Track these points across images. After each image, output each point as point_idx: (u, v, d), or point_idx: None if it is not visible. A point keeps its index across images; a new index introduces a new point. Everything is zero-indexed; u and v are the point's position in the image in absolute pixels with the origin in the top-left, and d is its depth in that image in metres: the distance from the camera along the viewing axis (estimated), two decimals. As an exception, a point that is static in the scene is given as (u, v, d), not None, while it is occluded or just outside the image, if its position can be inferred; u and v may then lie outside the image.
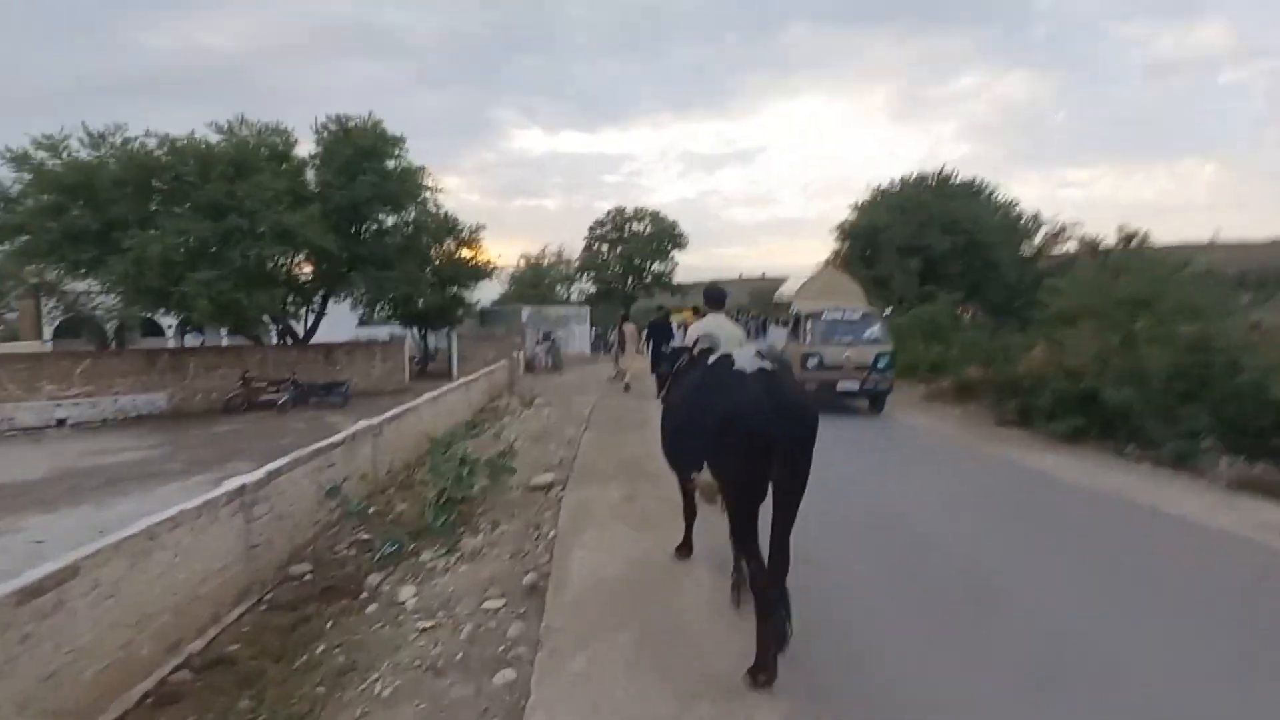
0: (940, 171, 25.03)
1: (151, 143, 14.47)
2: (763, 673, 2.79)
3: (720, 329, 4.27)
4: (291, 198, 14.81)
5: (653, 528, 4.92)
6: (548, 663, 3.02)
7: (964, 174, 25.12)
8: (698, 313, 6.35)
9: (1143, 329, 7.93)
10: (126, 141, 14.27)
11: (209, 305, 13.46)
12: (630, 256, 35.64)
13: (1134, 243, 16.79)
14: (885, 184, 25.83)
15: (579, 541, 4.65)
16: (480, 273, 22.21)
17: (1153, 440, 7.00)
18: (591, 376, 18.21)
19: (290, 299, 17.83)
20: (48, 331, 21.10)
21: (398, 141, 17.47)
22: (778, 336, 13.18)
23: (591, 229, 37.13)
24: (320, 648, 3.50)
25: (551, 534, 4.88)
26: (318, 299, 18.81)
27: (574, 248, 38.75)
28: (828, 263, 24.61)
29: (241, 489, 4.42)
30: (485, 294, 27.53)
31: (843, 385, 10.17)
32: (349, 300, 19.98)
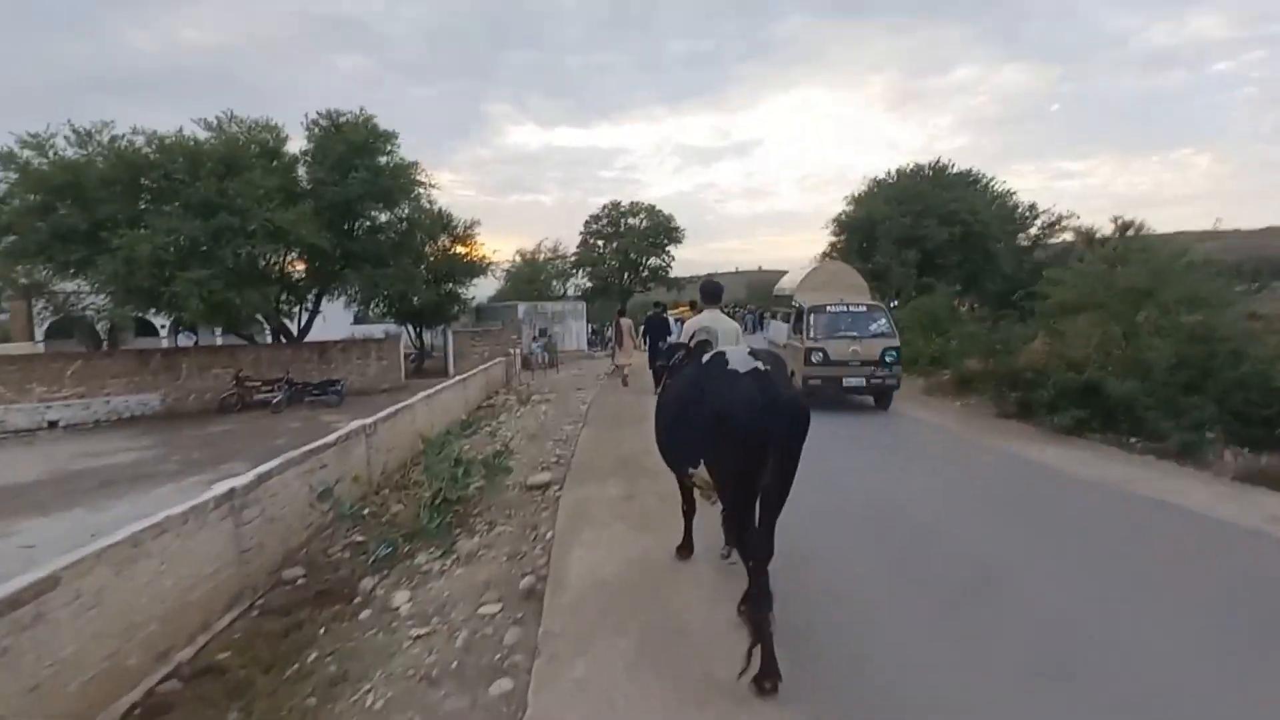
0: (937, 163, 24.97)
1: (140, 140, 14.26)
2: (768, 679, 2.73)
3: (716, 324, 4.29)
4: (283, 195, 14.61)
5: (652, 526, 4.84)
6: (545, 671, 2.93)
7: (960, 165, 25.08)
8: (694, 308, 6.29)
9: (1145, 320, 7.86)
10: (114, 140, 14.05)
11: (200, 305, 13.27)
12: (626, 251, 35.39)
13: (1130, 232, 16.72)
14: (882, 175, 25.79)
15: (577, 541, 4.56)
16: (475, 269, 22.04)
17: (1156, 432, 6.93)
18: (589, 372, 18.12)
19: (283, 297, 17.66)
20: (40, 333, 20.90)
21: (390, 137, 17.27)
22: (778, 331, 12.65)
23: (587, 224, 36.87)
24: (312, 656, 3.40)
25: (549, 534, 4.79)
26: (311, 297, 18.64)
27: (570, 243, 38.54)
28: (825, 255, 24.53)
29: (231, 493, 4.31)
30: (481, 290, 27.35)
31: (848, 381, 9.84)
32: (343, 298, 19.81)
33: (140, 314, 16.31)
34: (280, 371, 16.16)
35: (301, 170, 16.77)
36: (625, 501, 5.55)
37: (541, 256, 40.02)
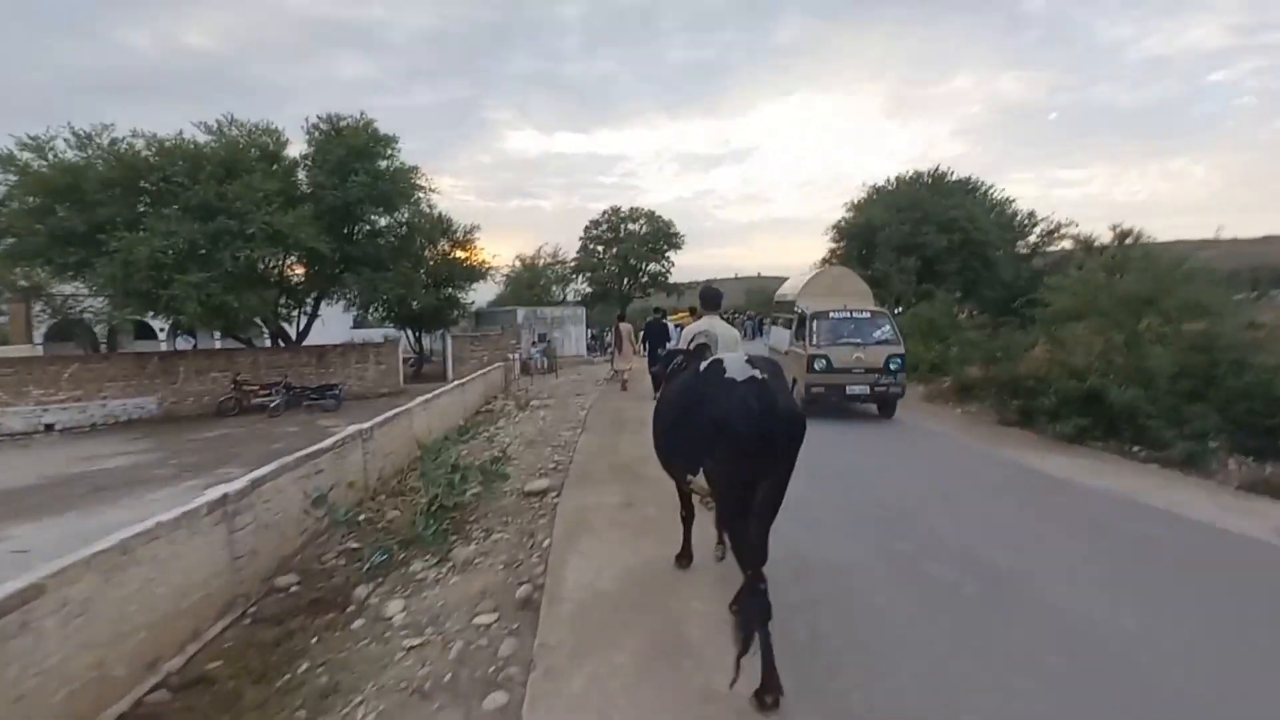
0: (936, 170, 25.02)
1: (139, 143, 14.26)
2: (769, 693, 2.67)
3: (715, 330, 4.30)
4: (282, 199, 14.60)
5: (651, 534, 4.77)
6: (541, 684, 2.86)
7: (959, 173, 25.14)
8: (694, 314, 6.26)
9: (1147, 328, 7.82)
10: (114, 142, 14.06)
11: (198, 308, 13.23)
12: (626, 257, 35.38)
13: (1128, 241, 16.74)
14: (881, 182, 25.83)
15: (575, 550, 4.49)
16: (475, 273, 22.02)
17: (1159, 441, 6.88)
18: (588, 377, 18.06)
19: (282, 301, 17.62)
20: (38, 336, 20.83)
21: (390, 141, 17.28)
22: (780, 337, 12.37)
23: (587, 229, 36.91)
24: (303, 666, 3.33)
25: (546, 542, 4.72)
26: (310, 301, 18.60)
27: (570, 248, 38.56)
28: (825, 261, 24.53)
29: (224, 499, 4.25)
30: (481, 295, 27.34)
31: (852, 389, 9.63)
32: (342, 302, 19.78)
33: (138, 317, 16.26)
34: (278, 375, 16.13)
35: (301, 174, 16.77)
36: (624, 509, 5.48)
37: (541, 261, 40.03)
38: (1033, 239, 23.96)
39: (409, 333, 23.87)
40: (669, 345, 10.70)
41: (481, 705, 2.75)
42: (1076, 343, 8.83)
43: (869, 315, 10.36)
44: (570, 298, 37.17)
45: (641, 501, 5.63)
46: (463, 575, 4.25)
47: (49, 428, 14.01)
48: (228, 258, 13.58)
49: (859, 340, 9.80)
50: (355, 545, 5.21)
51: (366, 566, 4.68)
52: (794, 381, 10.20)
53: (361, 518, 5.76)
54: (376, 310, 21.12)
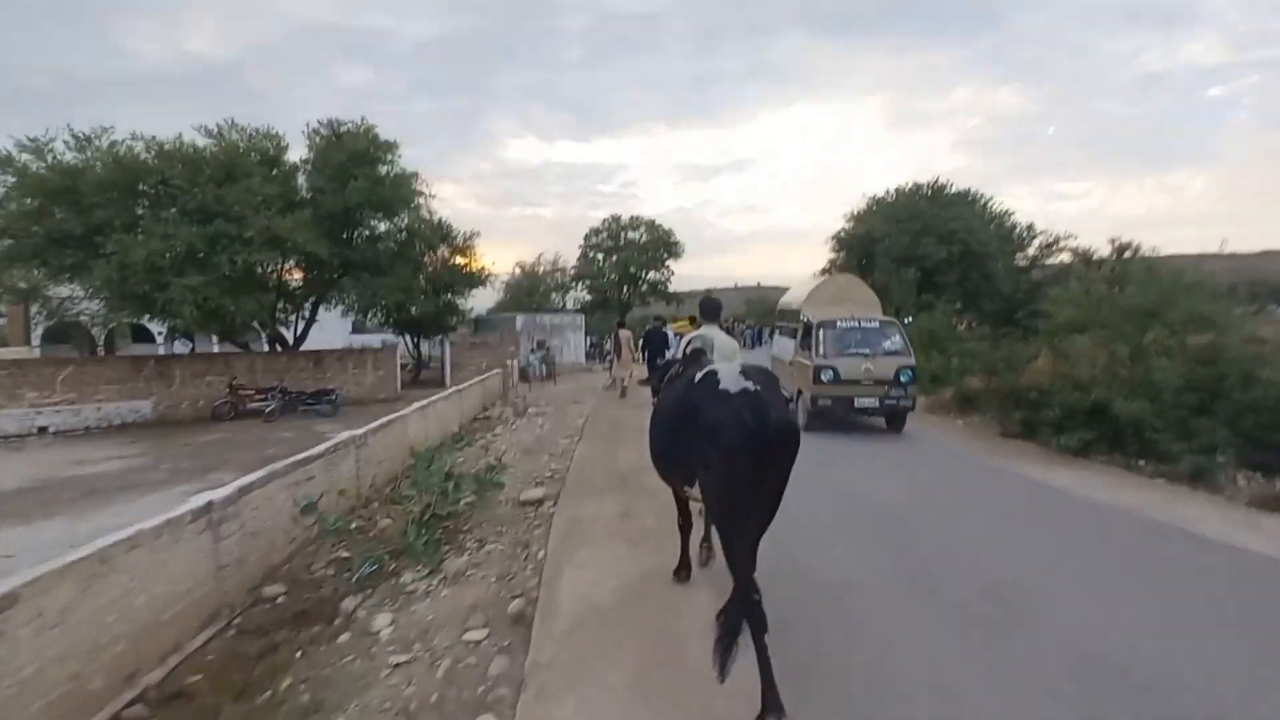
0: (935, 182, 25.03)
1: (139, 146, 14.21)
2: (770, 712, 2.57)
3: (714, 339, 4.28)
4: (282, 203, 14.55)
5: (649, 546, 4.66)
6: (532, 707, 2.73)
7: (958, 185, 25.13)
8: (693, 323, 6.19)
9: (1152, 340, 7.73)
10: (113, 145, 13.99)
11: (194, 311, 13.14)
12: (626, 265, 35.34)
13: (1127, 254, 16.74)
14: (881, 194, 25.83)
15: (570, 562, 4.37)
16: (474, 280, 21.93)
17: (1165, 455, 6.77)
18: (586, 385, 17.96)
19: (280, 305, 17.53)
20: (36, 338, 20.72)
21: (391, 147, 17.24)
22: (784, 347, 11.97)
23: (587, 237, 36.88)
24: (286, 682, 3.21)
25: (541, 553, 4.60)
26: (308, 305, 18.51)
27: (569, 256, 38.57)
28: (825, 271, 24.48)
29: (209, 505, 4.14)
30: (480, 302, 27.26)
31: (861, 402, 9.24)
32: (340, 307, 19.69)
33: (134, 320, 16.16)
34: (275, 380, 16.01)
35: (301, 179, 16.73)
36: (621, 519, 5.36)
37: (541, 269, 40.05)
38: (1031, 251, 23.97)
39: (407, 338, 23.77)
40: (668, 354, 10.61)
41: (469, 728, 2.63)
42: (1080, 355, 8.73)
43: (878, 325, 10.02)
44: (570, 305, 37.11)
45: (639, 512, 5.52)
46: (454, 588, 4.12)
47: (43, 430, 13.89)
48: (225, 261, 13.50)
49: (867, 351, 9.44)
50: (346, 554, 5.09)
51: (356, 577, 4.56)
52: (799, 393, 9.99)
53: (353, 526, 5.63)
54: (375, 315, 21.05)
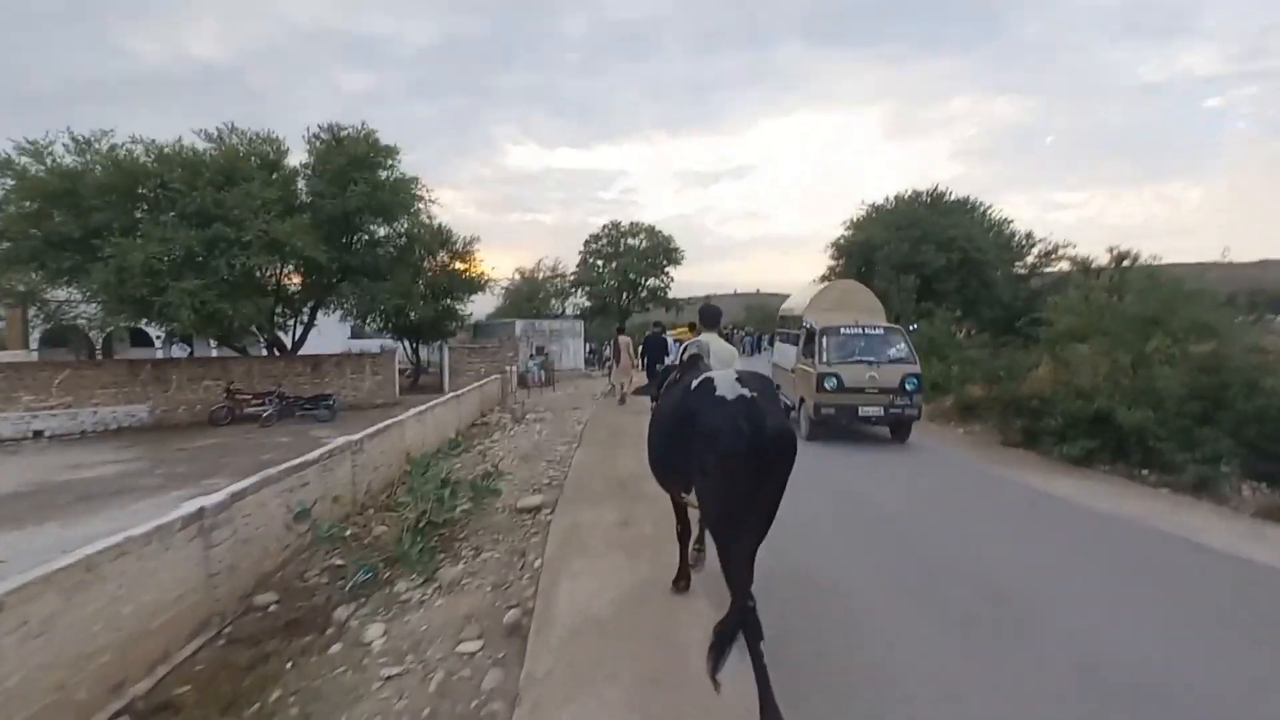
0: (935, 189, 25.04)
1: (138, 149, 14.20)
2: None
3: (713, 346, 4.27)
4: (281, 207, 14.52)
5: (648, 554, 4.59)
6: (527, 722, 2.66)
7: (957, 193, 25.12)
8: (694, 330, 6.14)
9: (1155, 348, 7.67)
10: (113, 148, 13.98)
11: (191, 315, 13.08)
12: (626, 271, 35.30)
13: (1125, 263, 16.72)
14: (880, 201, 25.84)
15: (567, 571, 4.30)
16: (474, 285, 21.91)
17: (1169, 464, 6.70)
18: (585, 391, 17.90)
19: (278, 310, 17.48)
20: (34, 341, 20.66)
21: (391, 151, 17.23)
22: (785, 354, 11.71)
23: (587, 243, 36.86)
24: (275, 695, 3.13)
25: (538, 562, 4.53)
26: (307, 310, 18.46)
27: (569, 262, 38.54)
28: (825, 278, 24.46)
29: (200, 512, 4.07)
30: (479, 307, 27.27)
31: (865, 410, 8.98)
32: (339, 312, 19.64)
33: (131, 323, 16.10)
34: (272, 385, 15.95)
35: (301, 183, 16.72)
36: (620, 528, 5.29)
37: (541, 275, 40.04)
38: (1030, 259, 23.97)
39: (406, 344, 23.72)
40: (668, 360, 10.55)
41: (461, 743, 2.56)
42: (1082, 363, 8.67)
43: (882, 331, 9.78)
44: (569, 311, 37.08)
45: (638, 520, 5.45)
46: (448, 597, 4.05)
47: (38, 434, 13.82)
48: (223, 265, 13.46)
49: (872, 358, 9.22)
50: (340, 562, 5.02)
51: (349, 585, 4.49)
52: (801, 401, 9.85)
53: (348, 533, 5.56)
54: (374, 320, 20.99)
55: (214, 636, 4.06)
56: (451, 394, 12.24)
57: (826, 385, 9.05)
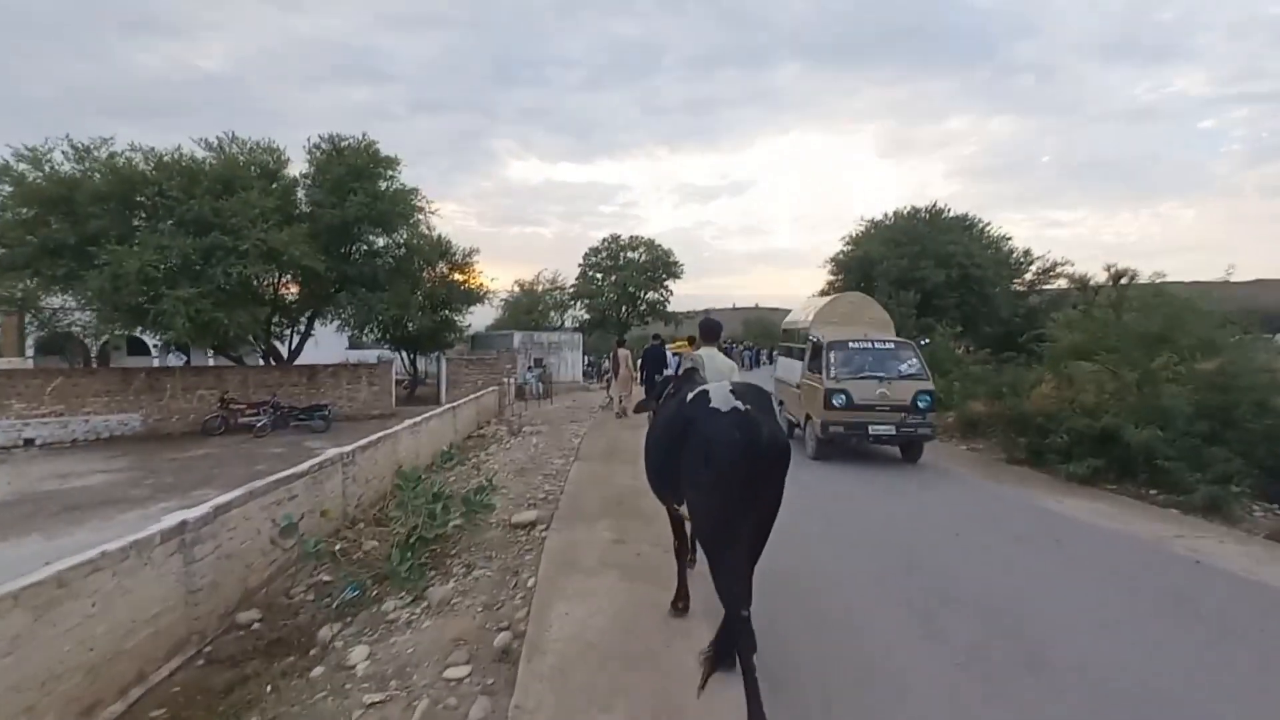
0: (933, 206, 25.09)
1: (137, 157, 14.16)
2: None
3: (712, 360, 4.29)
4: (279, 216, 14.45)
5: (645, 575, 4.43)
6: (515, 758, 2.50)
7: (954, 210, 25.16)
8: (692, 343, 6.04)
9: (1161, 365, 7.56)
10: (112, 156, 13.95)
11: (186, 323, 12.95)
12: (625, 285, 35.27)
13: (1123, 281, 16.71)
14: (879, 217, 25.86)
15: (561, 591, 4.14)
16: (473, 296, 21.82)
17: (1178, 484, 6.55)
18: (583, 404, 17.76)
19: (275, 319, 17.36)
20: (30, 348, 20.50)
21: (391, 162, 17.24)
22: (789, 369, 11.22)
23: (586, 256, 36.86)
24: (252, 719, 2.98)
25: (531, 581, 4.37)
26: (304, 320, 18.35)
27: (569, 274, 38.52)
28: (823, 293, 24.40)
29: (182, 525, 3.93)
30: (478, 319, 27.13)
31: (876, 429, 8.53)
32: (336, 322, 19.52)
33: (127, 332, 15.97)
34: (267, 394, 15.81)
35: (300, 193, 16.68)
36: (616, 545, 5.13)
37: (540, 287, 40.01)
38: (1029, 276, 23.99)
39: (404, 355, 23.57)
40: (667, 372, 10.43)
41: (444, 779, 2.40)
42: (1087, 380, 8.54)
43: (893, 346, 9.32)
44: (568, 324, 37.00)
45: (635, 537, 5.29)
46: (437, 618, 3.89)
47: (29, 442, 13.66)
48: (220, 274, 13.36)
49: (882, 374, 8.78)
50: (327, 579, 4.87)
51: (336, 603, 4.34)
52: (806, 419, 9.51)
53: (337, 548, 5.41)
54: (372, 331, 20.87)
55: (193, 656, 3.90)
56: (447, 406, 12.10)
57: (835, 402, 8.58)
